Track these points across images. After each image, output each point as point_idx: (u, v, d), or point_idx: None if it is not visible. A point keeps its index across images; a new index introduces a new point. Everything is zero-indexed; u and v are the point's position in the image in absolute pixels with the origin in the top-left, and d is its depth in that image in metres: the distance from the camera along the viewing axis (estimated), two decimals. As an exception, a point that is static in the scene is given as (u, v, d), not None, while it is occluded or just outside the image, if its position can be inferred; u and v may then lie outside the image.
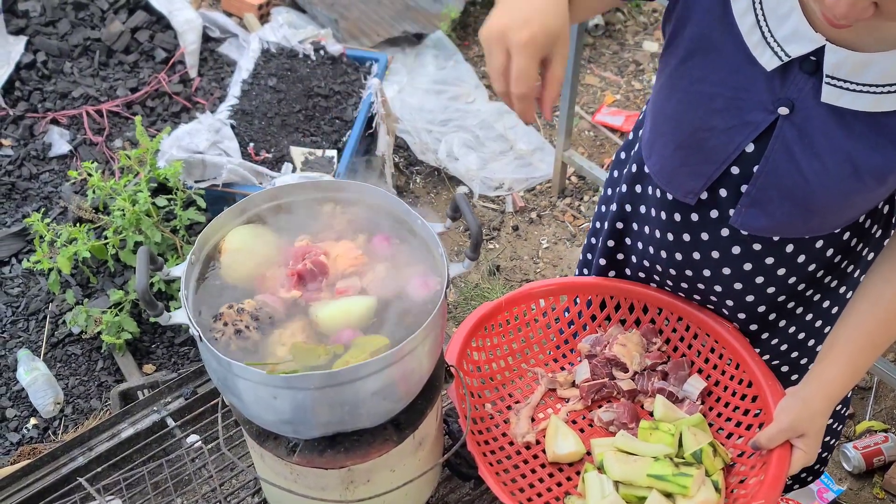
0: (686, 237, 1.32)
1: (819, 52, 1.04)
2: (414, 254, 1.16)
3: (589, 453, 1.33)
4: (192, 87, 3.41)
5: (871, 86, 1.03)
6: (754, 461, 1.27)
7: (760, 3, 1.06)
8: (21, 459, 2.34)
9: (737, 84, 1.12)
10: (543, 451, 1.35)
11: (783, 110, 1.10)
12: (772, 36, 1.06)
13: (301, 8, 3.98)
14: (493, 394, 1.43)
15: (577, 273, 1.74)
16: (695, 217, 1.29)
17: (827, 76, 1.05)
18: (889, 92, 1.02)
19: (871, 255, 1.33)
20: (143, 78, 3.40)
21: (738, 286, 1.32)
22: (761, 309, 1.35)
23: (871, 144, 1.07)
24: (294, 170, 2.78)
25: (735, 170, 1.19)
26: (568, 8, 1.04)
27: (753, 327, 1.39)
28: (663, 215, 1.34)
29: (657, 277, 1.46)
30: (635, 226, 1.45)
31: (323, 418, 1.06)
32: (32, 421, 2.53)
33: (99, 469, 1.48)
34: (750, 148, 1.15)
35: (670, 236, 1.34)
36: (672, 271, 1.39)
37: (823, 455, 1.64)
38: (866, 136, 1.07)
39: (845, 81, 1.04)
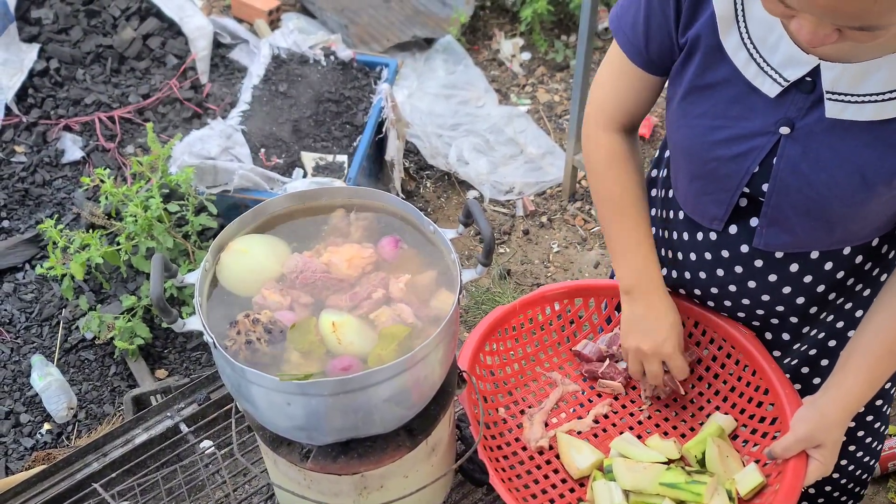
0: (708, 256, 1.33)
1: (815, 72, 1.06)
2: (426, 260, 1.16)
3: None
4: (204, 93, 3.43)
5: (871, 95, 1.04)
6: (769, 470, 1.26)
7: (749, 37, 1.08)
8: (36, 465, 2.35)
9: (736, 114, 1.14)
10: (557, 457, 1.34)
11: (784, 130, 1.11)
12: (767, 65, 1.08)
13: (311, 14, 3.99)
14: (507, 398, 1.42)
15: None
16: (713, 236, 1.30)
17: (827, 92, 1.06)
18: (890, 99, 1.03)
19: None
20: (155, 84, 3.42)
21: (765, 298, 1.32)
22: (794, 320, 1.35)
23: (876, 152, 1.07)
24: (305, 175, 2.79)
25: (748, 190, 1.20)
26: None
27: (786, 337, 1.38)
28: (685, 236, 1.35)
29: (683, 292, 1.46)
30: (665, 251, 1.45)
31: (336, 424, 1.06)
32: (46, 426, 2.54)
33: (113, 475, 1.48)
34: (756, 169, 1.17)
35: (693, 256, 1.35)
36: (697, 291, 1.40)
37: (871, 462, 1.60)
38: (871, 145, 1.07)
39: (846, 94, 1.05)
